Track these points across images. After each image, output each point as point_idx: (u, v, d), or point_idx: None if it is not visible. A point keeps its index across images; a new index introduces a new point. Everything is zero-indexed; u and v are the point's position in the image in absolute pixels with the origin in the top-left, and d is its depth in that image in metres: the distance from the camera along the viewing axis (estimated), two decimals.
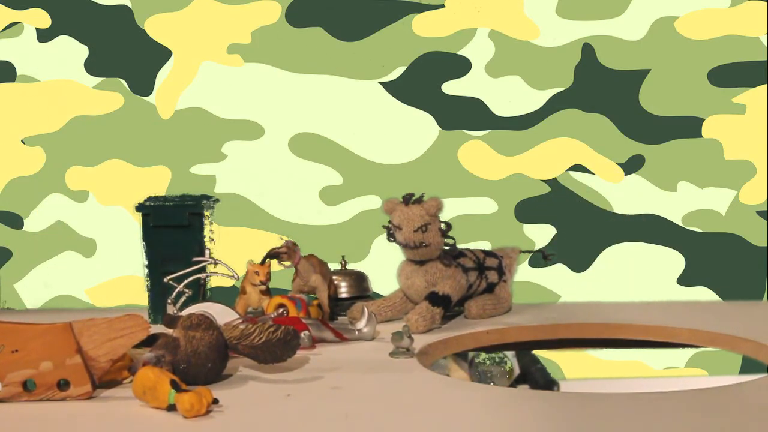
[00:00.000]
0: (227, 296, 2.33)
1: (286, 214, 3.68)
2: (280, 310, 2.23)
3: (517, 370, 2.84)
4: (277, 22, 3.66)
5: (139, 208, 2.41)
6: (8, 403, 1.76)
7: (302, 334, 2.08)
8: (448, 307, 2.31)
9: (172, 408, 1.69)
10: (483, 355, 2.79)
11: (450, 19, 3.66)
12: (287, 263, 2.37)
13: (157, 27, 3.65)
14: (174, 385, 1.70)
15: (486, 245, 2.73)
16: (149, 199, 2.46)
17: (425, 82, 3.68)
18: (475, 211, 3.68)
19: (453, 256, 2.34)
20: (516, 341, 2.35)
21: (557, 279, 3.68)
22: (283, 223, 3.67)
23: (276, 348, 1.90)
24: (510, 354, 2.83)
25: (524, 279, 3.49)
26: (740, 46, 3.67)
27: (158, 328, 2.03)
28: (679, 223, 3.71)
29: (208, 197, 2.46)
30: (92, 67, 3.66)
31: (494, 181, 3.69)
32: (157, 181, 3.65)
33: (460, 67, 3.68)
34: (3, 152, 3.67)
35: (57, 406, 1.79)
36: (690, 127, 3.69)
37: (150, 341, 1.89)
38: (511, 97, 3.68)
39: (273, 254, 2.35)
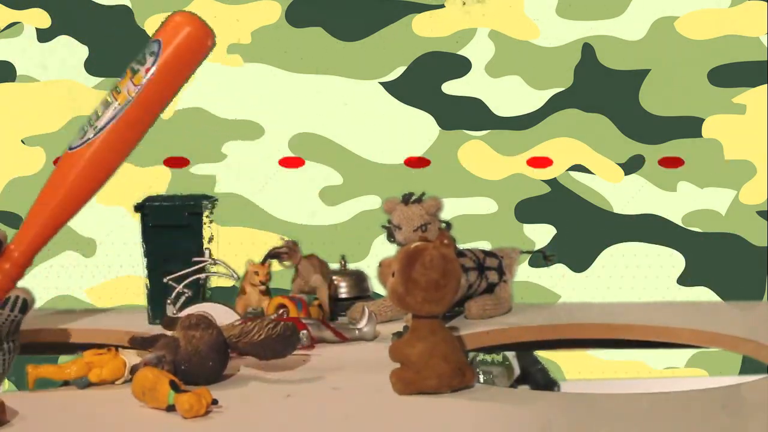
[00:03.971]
0: (227, 296, 2.32)
1: (286, 214, 3.68)
2: (281, 311, 2.22)
3: (517, 371, 2.84)
4: (277, 22, 3.65)
5: (138, 208, 2.41)
6: (11, 400, 1.76)
7: (300, 334, 2.09)
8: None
9: (171, 408, 1.69)
10: (483, 356, 2.79)
11: (450, 19, 3.66)
12: (288, 263, 2.37)
13: (157, 27, 3.64)
14: (173, 385, 1.70)
15: (486, 245, 2.73)
16: (148, 199, 2.46)
17: (425, 82, 3.68)
18: (475, 211, 3.68)
19: None
20: (516, 341, 2.35)
21: (557, 279, 3.68)
22: (283, 223, 3.66)
23: (276, 344, 1.90)
24: (510, 354, 2.83)
25: (524, 279, 3.49)
26: (740, 46, 3.67)
27: (158, 328, 2.03)
28: (679, 223, 3.71)
29: (208, 197, 2.46)
30: (92, 67, 3.66)
31: (494, 181, 3.69)
32: (157, 181, 3.64)
33: (460, 67, 3.67)
34: (3, 152, 3.67)
35: (56, 405, 1.79)
36: (690, 127, 3.68)
37: (150, 342, 1.88)
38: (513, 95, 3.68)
39: (273, 254, 2.35)
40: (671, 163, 3.65)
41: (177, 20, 2.29)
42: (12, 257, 2.22)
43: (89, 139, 2.25)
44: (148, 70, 2.24)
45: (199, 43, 2.30)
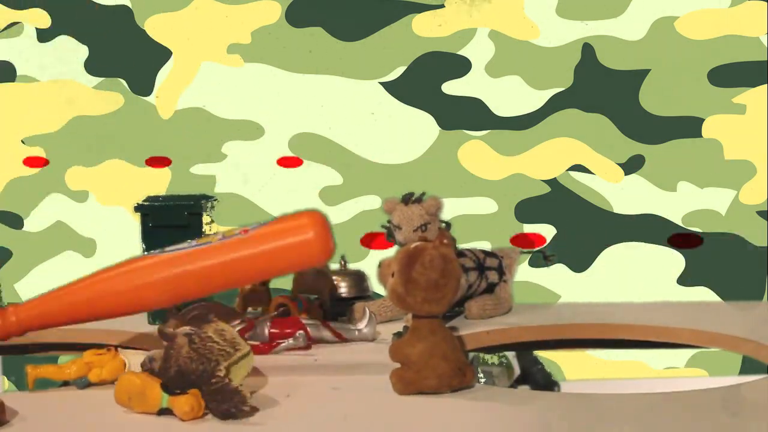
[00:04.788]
0: (227, 296, 2.32)
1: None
2: (280, 309, 2.22)
3: (517, 371, 2.84)
4: (277, 22, 3.65)
5: (138, 208, 2.41)
6: (11, 400, 1.76)
7: (297, 334, 2.09)
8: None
9: (163, 412, 1.67)
10: (483, 356, 2.79)
11: (450, 19, 3.66)
12: None
13: (157, 27, 3.65)
14: (165, 388, 1.68)
15: (486, 245, 2.73)
16: (148, 199, 2.46)
17: (425, 82, 3.68)
18: (475, 211, 3.68)
19: None
20: (516, 341, 2.35)
21: (557, 279, 3.68)
22: None
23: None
24: (510, 354, 2.83)
25: (524, 279, 3.49)
26: (740, 46, 3.67)
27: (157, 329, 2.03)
28: (679, 223, 3.71)
29: (207, 197, 2.46)
30: (92, 67, 3.66)
31: (494, 181, 3.69)
32: (157, 181, 3.64)
33: (460, 67, 3.67)
34: (3, 152, 3.67)
35: (56, 405, 1.79)
36: (690, 127, 3.68)
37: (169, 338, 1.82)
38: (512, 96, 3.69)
39: None
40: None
41: (304, 221, 1.94)
42: (7, 319, 1.94)
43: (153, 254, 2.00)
44: (244, 230, 1.93)
45: (306, 249, 1.93)
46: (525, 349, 2.71)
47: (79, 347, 2.28)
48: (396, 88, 3.67)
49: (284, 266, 1.94)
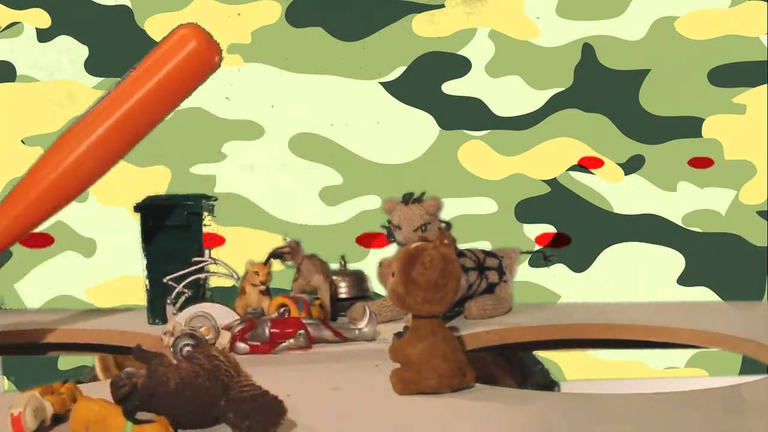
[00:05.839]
0: (227, 296, 2.32)
1: (286, 214, 3.68)
2: (281, 309, 2.23)
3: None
4: (277, 22, 3.65)
5: (138, 208, 2.41)
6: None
7: (297, 333, 2.09)
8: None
9: None
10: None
11: (450, 19, 3.66)
12: (290, 263, 2.37)
13: (157, 27, 3.65)
14: (128, 415, 1.54)
15: (486, 245, 2.73)
16: (148, 199, 2.46)
17: (425, 82, 3.68)
18: (475, 211, 3.68)
19: None
20: (517, 341, 2.35)
21: (557, 279, 3.68)
22: (283, 223, 3.66)
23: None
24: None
25: (524, 279, 3.49)
26: (740, 46, 3.67)
27: (158, 329, 2.03)
28: (679, 223, 3.71)
29: (207, 197, 2.46)
30: (92, 67, 3.66)
31: (494, 181, 3.69)
32: (157, 181, 3.64)
33: (460, 67, 3.67)
34: (3, 152, 3.67)
35: None
36: (690, 127, 3.68)
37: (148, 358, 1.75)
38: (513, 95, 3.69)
39: (276, 254, 2.35)
40: (701, 163, 3.66)
41: (182, 33, 2.18)
42: None
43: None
44: (133, 69, 2.16)
45: (196, 58, 2.14)
46: (525, 349, 2.71)
47: (79, 347, 2.29)
48: (396, 88, 3.67)
49: (183, 84, 2.10)
